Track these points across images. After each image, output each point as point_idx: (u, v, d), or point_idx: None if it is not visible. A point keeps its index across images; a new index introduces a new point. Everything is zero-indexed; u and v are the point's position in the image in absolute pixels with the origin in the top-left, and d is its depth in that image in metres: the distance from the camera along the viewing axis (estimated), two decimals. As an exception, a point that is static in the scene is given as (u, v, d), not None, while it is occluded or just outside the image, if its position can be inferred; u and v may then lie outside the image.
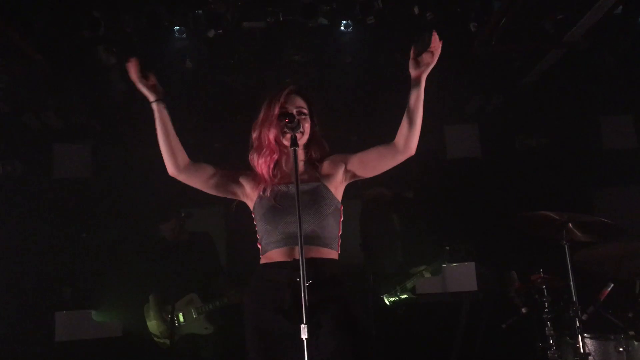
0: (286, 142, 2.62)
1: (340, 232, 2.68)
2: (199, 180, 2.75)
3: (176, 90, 5.65)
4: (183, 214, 4.80)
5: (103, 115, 5.94)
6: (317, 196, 2.61)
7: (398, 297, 5.39)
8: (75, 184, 5.89)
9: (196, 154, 6.01)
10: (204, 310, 4.97)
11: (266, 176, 2.66)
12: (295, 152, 2.47)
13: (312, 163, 2.75)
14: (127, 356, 5.23)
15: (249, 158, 2.74)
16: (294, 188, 2.38)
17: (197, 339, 4.96)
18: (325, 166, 2.73)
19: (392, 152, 2.63)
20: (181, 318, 4.97)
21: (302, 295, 2.22)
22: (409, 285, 5.38)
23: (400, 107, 6.18)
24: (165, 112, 2.67)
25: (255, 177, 2.72)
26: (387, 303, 5.39)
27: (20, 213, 5.58)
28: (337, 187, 2.70)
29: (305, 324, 2.19)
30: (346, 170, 2.71)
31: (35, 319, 5.31)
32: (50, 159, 5.93)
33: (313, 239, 2.52)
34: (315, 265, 2.42)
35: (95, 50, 5.11)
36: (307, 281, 2.23)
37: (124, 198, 5.86)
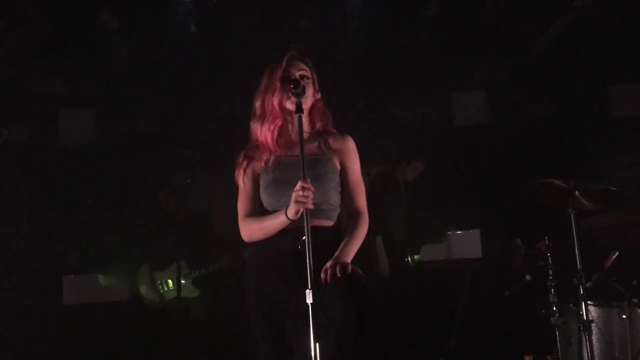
0: (290, 107, 2.59)
1: (340, 202, 2.69)
2: None
3: (180, 55, 5.60)
4: (189, 180, 4.82)
5: (107, 80, 5.90)
6: (320, 169, 2.62)
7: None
8: (81, 150, 5.88)
9: (198, 120, 6.02)
10: (191, 276, 5.27)
11: (270, 144, 2.64)
12: (300, 118, 2.46)
13: (316, 134, 2.73)
14: (134, 319, 5.33)
15: (252, 127, 2.72)
16: (297, 160, 2.40)
17: (186, 301, 5.20)
18: (330, 140, 2.72)
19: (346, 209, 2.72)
20: (170, 284, 5.29)
21: (308, 261, 2.25)
22: (417, 258, 5.42)
23: (408, 74, 6.09)
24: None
25: (256, 150, 2.71)
26: (412, 263, 5.45)
27: (26, 178, 5.59)
28: (336, 161, 2.70)
29: (310, 289, 2.22)
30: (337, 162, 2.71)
31: (44, 283, 5.36)
32: (55, 124, 5.91)
33: (315, 212, 2.51)
34: (315, 233, 2.40)
35: (99, 13, 5.06)
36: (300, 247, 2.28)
37: (128, 163, 5.86)
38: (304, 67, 2.69)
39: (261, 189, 2.66)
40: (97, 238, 5.64)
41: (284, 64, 2.64)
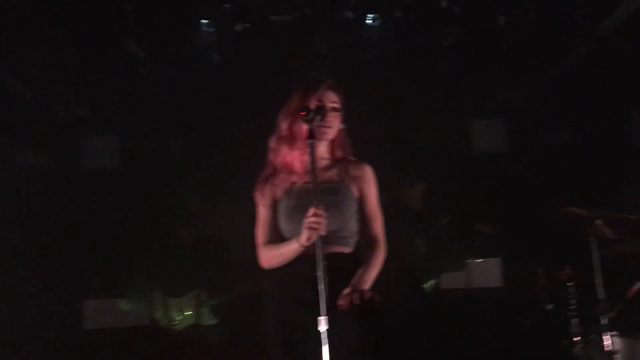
0: (318, 135, 2.57)
1: (358, 229, 2.70)
2: None
3: (203, 83, 5.69)
4: (209, 207, 4.88)
5: (132, 106, 6.00)
6: (338, 197, 2.63)
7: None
8: (104, 175, 5.96)
9: (220, 147, 6.08)
10: (209, 304, 5.39)
11: (297, 169, 2.65)
12: (312, 144, 2.42)
13: (336, 161, 2.75)
14: (154, 344, 5.34)
15: (275, 147, 2.72)
16: (316, 187, 2.40)
17: (203, 328, 5.30)
18: (349, 167, 2.74)
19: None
20: (188, 310, 5.42)
21: (323, 288, 2.25)
22: (427, 287, 5.40)
23: (428, 101, 6.12)
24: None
25: (275, 174, 2.71)
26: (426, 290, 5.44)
27: (50, 203, 5.66)
28: (355, 189, 2.71)
29: (324, 316, 2.22)
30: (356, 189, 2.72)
31: (65, 307, 5.40)
32: (80, 149, 6.01)
33: (334, 239, 2.54)
34: (333, 260, 2.43)
35: (125, 42, 5.17)
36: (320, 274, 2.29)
37: (151, 189, 5.92)
38: (337, 98, 2.70)
39: (280, 215, 2.67)
40: (118, 263, 5.68)
41: (319, 93, 2.66)
